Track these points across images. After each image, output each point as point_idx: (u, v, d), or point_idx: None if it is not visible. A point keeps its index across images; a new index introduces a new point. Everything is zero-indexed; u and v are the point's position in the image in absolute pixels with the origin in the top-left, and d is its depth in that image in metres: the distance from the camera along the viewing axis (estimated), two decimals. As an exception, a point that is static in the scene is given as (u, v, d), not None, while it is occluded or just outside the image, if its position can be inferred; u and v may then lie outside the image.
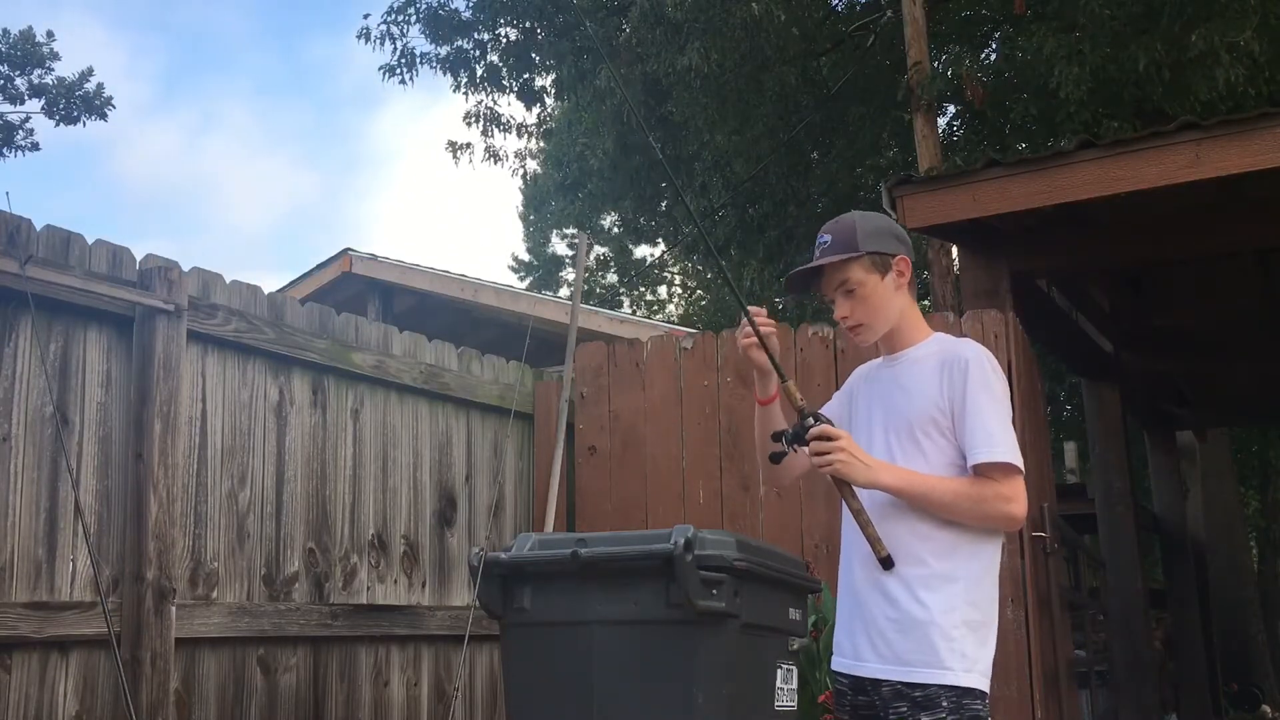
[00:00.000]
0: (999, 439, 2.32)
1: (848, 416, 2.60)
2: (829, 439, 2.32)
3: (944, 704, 2.29)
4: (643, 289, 24.50)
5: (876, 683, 2.38)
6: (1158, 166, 4.41)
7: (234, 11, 52.89)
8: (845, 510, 2.48)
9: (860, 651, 2.42)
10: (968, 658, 2.34)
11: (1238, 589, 12.20)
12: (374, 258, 9.59)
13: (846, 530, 2.52)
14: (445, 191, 54.04)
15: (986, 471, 2.32)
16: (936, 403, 2.38)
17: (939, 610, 2.33)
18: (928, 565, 2.36)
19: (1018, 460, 2.33)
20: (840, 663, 2.53)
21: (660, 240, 17.61)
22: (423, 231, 51.33)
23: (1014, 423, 2.45)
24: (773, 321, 2.52)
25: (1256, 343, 7.60)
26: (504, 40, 11.71)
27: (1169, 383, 8.67)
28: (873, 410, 2.52)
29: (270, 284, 10.07)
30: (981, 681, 2.35)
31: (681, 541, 2.83)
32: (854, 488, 2.40)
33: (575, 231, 22.47)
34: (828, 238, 2.49)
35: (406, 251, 53.15)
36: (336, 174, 57.41)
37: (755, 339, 2.47)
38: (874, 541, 2.37)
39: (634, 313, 21.92)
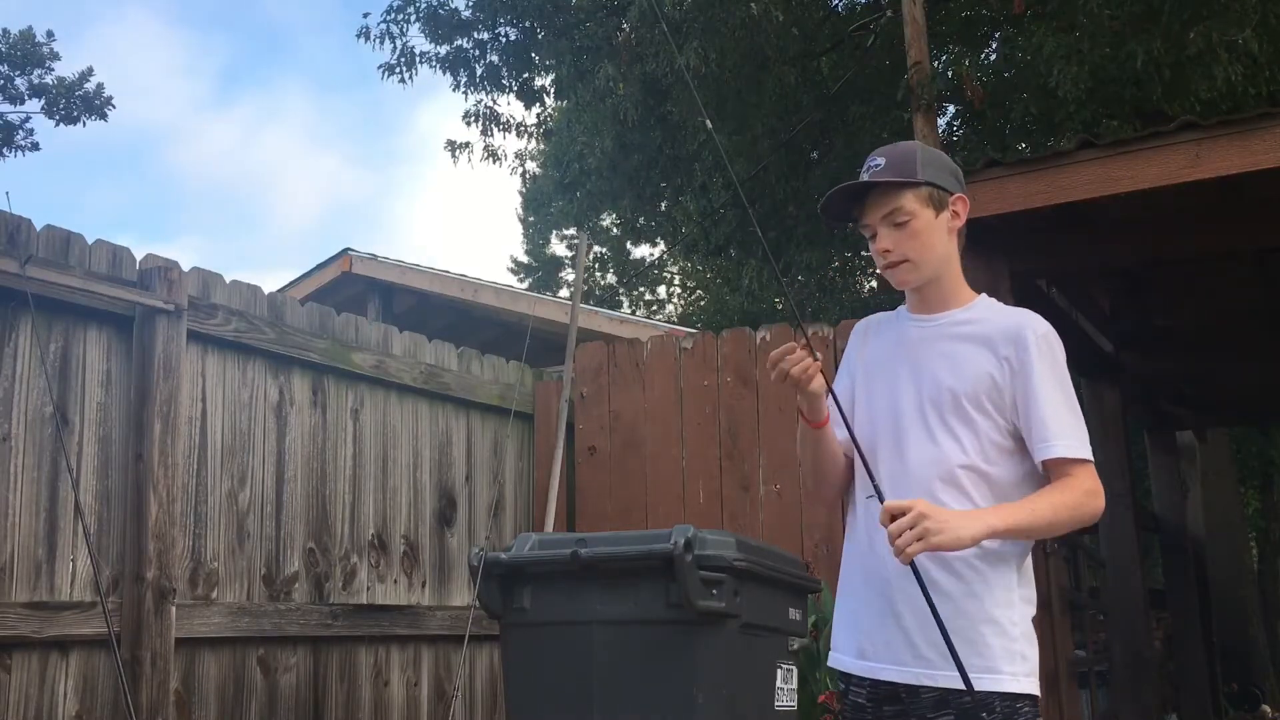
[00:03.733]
0: (1081, 430, 2.06)
1: (856, 388, 2.27)
2: (901, 513, 1.91)
3: (997, 708, 2.00)
4: (642, 289, 24.49)
5: (914, 689, 2.04)
6: (1158, 166, 4.40)
7: (301, 6, 53.27)
8: (856, 494, 2.20)
9: (896, 653, 2.07)
10: (1028, 660, 2.06)
11: (1238, 589, 12.18)
12: (374, 258, 9.60)
13: (865, 513, 2.16)
14: (457, 192, 54.33)
15: (1064, 465, 2.04)
16: (992, 378, 2.08)
17: (992, 602, 2.04)
18: (976, 547, 2.03)
19: (1089, 450, 2.09)
20: (865, 667, 2.14)
21: (659, 240, 17.60)
22: (438, 232, 51.57)
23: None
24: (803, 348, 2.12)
25: (1256, 343, 7.59)
26: (503, 40, 11.70)
27: (1169, 383, 8.66)
28: (901, 373, 2.18)
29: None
30: (1037, 686, 2.07)
31: (681, 541, 2.83)
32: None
33: (574, 232, 22.48)
34: (880, 160, 2.16)
35: (435, 252, 53.27)
36: (383, 171, 57.83)
37: (810, 367, 2.08)
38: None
39: (633, 313, 21.92)
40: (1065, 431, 2.05)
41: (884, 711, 2.11)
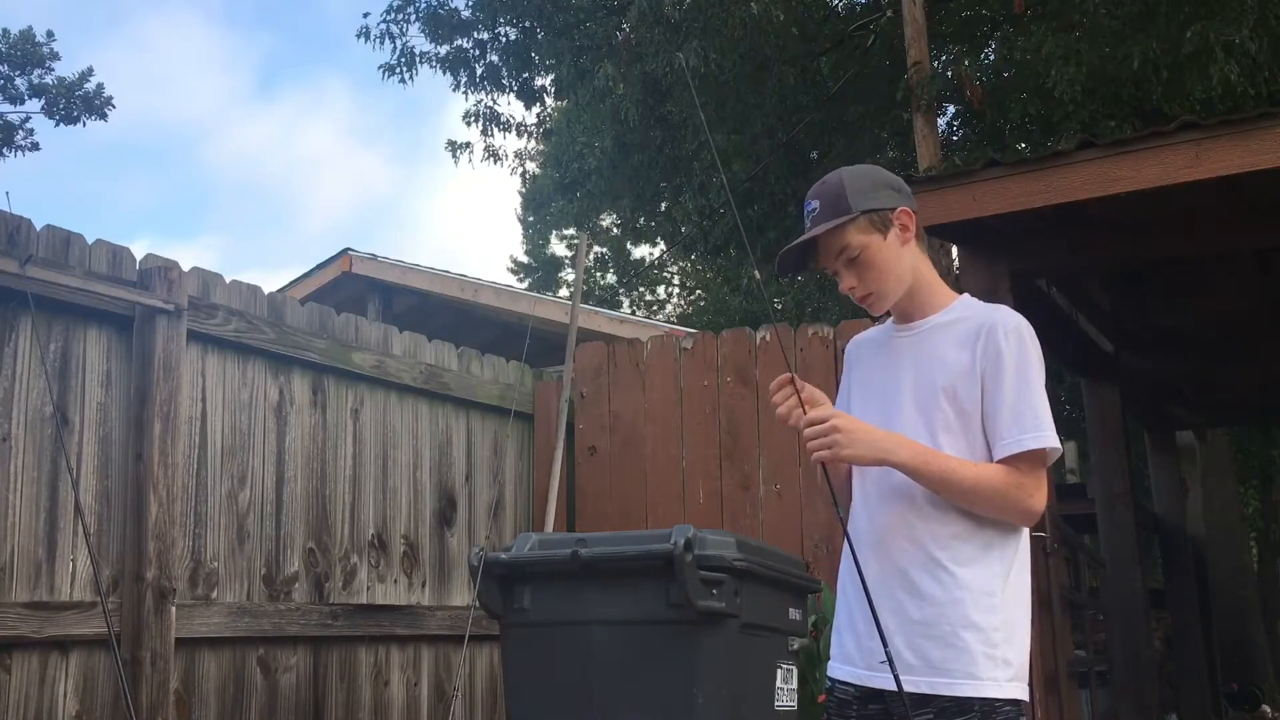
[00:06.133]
0: (1044, 422, 2.06)
1: (853, 403, 2.31)
2: (819, 421, 2.02)
3: (975, 709, 2.02)
4: (642, 289, 24.50)
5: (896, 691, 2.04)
6: (1158, 166, 4.40)
7: (339, 3, 53.65)
8: (853, 498, 2.24)
9: (879, 658, 2.06)
10: (1011, 665, 2.06)
11: (1238, 589, 12.20)
12: (374, 257, 9.60)
13: (851, 526, 2.21)
14: (476, 192, 54.53)
15: (1016, 460, 2.05)
16: (968, 375, 2.10)
17: (975, 607, 2.04)
18: (958, 550, 2.07)
19: (1058, 442, 2.08)
20: (848, 671, 2.18)
21: (659, 240, 17.60)
22: (460, 232, 51.75)
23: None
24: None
25: (1257, 343, 7.59)
26: (503, 40, 11.71)
27: (1169, 383, 8.66)
28: (890, 385, 2.21)
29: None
30: (1022, 690, 2.07)
31: (681, 541, 2.83)
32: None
33: (574, 232, 22.47)
34: (815, 204, 2.20)
35: (456, 252, 53.67)
36: (412, 169, 58.26)
37: (791, 409, 2.10)
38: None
39: (633, 313, 21.92)
40: (1027, 425, 2.06)
41: (869, 709, 2.14)
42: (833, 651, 2.25)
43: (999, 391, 2.08)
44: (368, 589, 4.56)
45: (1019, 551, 2.14)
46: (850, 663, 2.18)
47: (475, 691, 5.03)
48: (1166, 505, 9.85)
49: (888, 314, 2.31)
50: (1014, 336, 2.11)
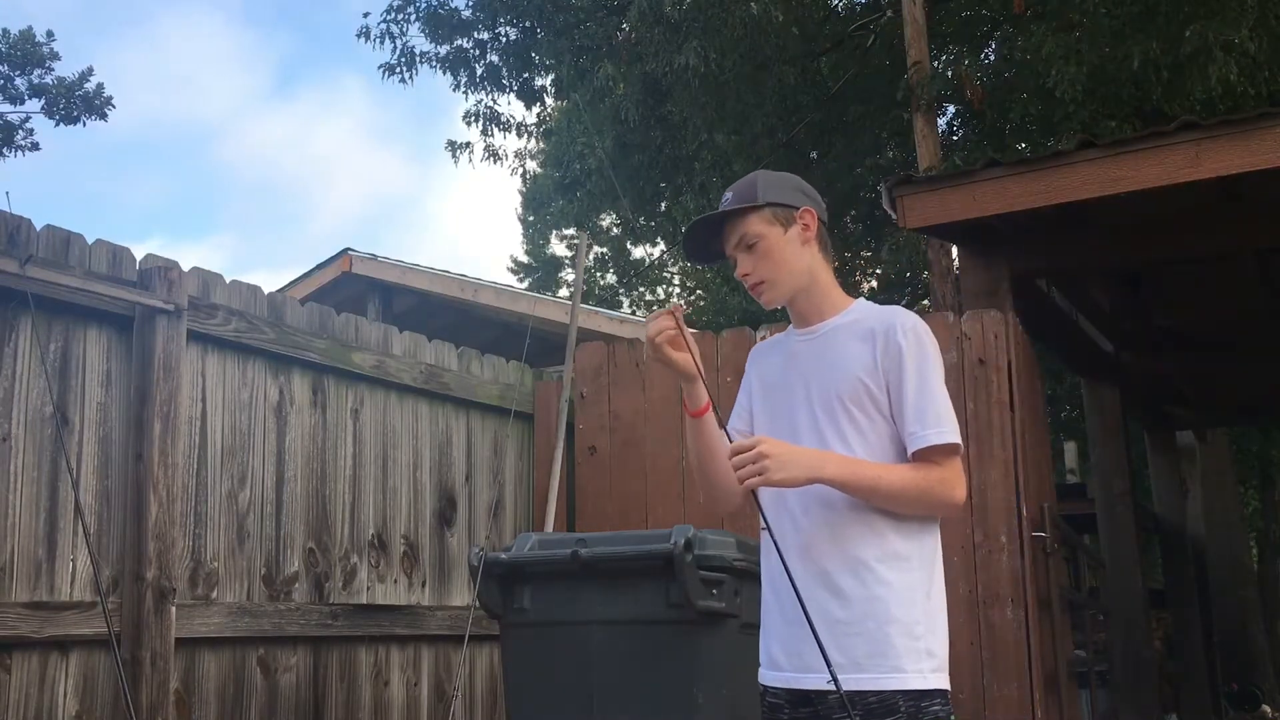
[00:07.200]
0: (945, 418, 2.12)
1: (755, 406, 2.37)
2: (746, 449, 2.04)
3: (901, 707, 2.04)
4: (642, 289, 24.49)
5: (823, 693, 2.06)
6: (1158, 166, 4.40)
7: (358, 2, 53.94)
8: (765, 502, 2.22)
9: (805, 661, 2.08)
10: (935, 655, 2.10)
11: (1238, 589, 12.19)
12: (374, 257, 9.60)
13: (774, 523, 2.20)
14: (489, 192, 54.60)
15: (929, 454, 2.11)
16: (870, 374, 2.15)
17: (896, 603, 2.08)
18: (878, 548, 2.11)
19: (959, 438, 2.15)
20: (778, 677, 2.20)
21: (659, 240, 17.60)
22: (472, 232, 51.82)
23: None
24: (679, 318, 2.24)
25: (1256, 343, 7.60)
26: (504, 40, 11.72)
27: (1169, 383, 8.67)
28: (794, 388, 2.25)
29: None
30: (946, 680, 2.12)
31: (682, 541, 2.83)
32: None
33: (574, 232, 22.47)
34: (729, 195, 2.28)
35: (469, 252, 53.86)
36: (426, 168, 58.49)
37: (673, 331, 2.20)
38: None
39: (633, 313, 21.91)
40: (930, 421, 2.12)
41: (800, 713, 2.16)
42: (761, 658, 2.27)
43: (901, 390, 2.14)
44: (368, 589, 4.56)
45: (937, 545, 2.20)
46: (777, 668, 2.20)
47: (475, 691, 5.03)
48: (1166, 505, 9.86)
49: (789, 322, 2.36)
50: (912, 335, 2.16)
